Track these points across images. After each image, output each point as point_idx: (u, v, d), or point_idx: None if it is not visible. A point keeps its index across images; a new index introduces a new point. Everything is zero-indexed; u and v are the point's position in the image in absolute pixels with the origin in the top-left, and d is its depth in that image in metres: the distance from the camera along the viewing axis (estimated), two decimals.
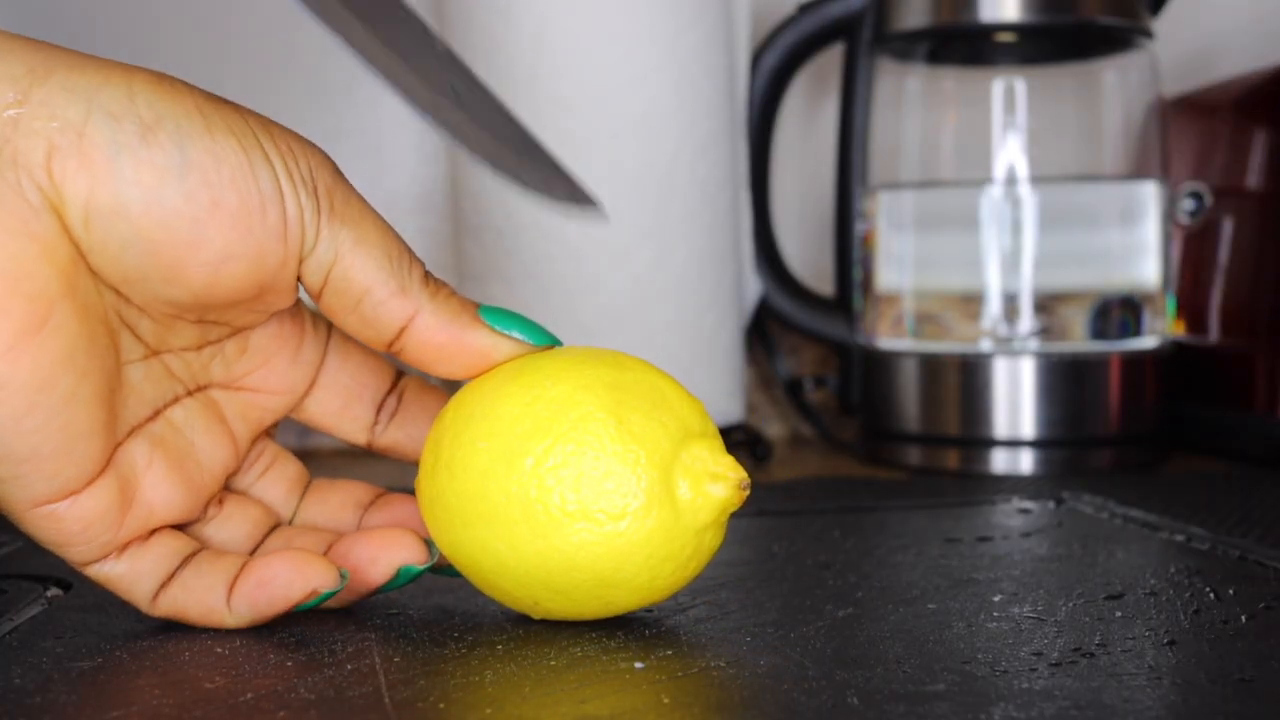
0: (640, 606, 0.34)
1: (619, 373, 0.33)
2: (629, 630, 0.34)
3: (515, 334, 0.34)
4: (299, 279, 0.33)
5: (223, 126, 0.31)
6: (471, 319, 0.34)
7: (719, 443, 0.33)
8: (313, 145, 0.33)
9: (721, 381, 0.69)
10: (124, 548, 0.34)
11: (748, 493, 0.33)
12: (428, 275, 0.34)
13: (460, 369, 0.34)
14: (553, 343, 0.35)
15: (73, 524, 0.32)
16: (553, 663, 0.31)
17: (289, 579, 0.34)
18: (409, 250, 0.34)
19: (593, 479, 0.32)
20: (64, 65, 0.30)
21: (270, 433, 0.38)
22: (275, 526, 0.37)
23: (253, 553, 0.36)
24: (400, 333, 0.33)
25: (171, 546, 0.34)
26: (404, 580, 0.35)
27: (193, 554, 0.35)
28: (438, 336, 0.33)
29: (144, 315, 0.33)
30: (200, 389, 0.35)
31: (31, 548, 0.45)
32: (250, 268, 0.32)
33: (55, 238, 0.30)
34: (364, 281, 0.33)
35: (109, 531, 0.33)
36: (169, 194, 0.30)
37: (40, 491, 0.31)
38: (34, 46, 0.31)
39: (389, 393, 0.38)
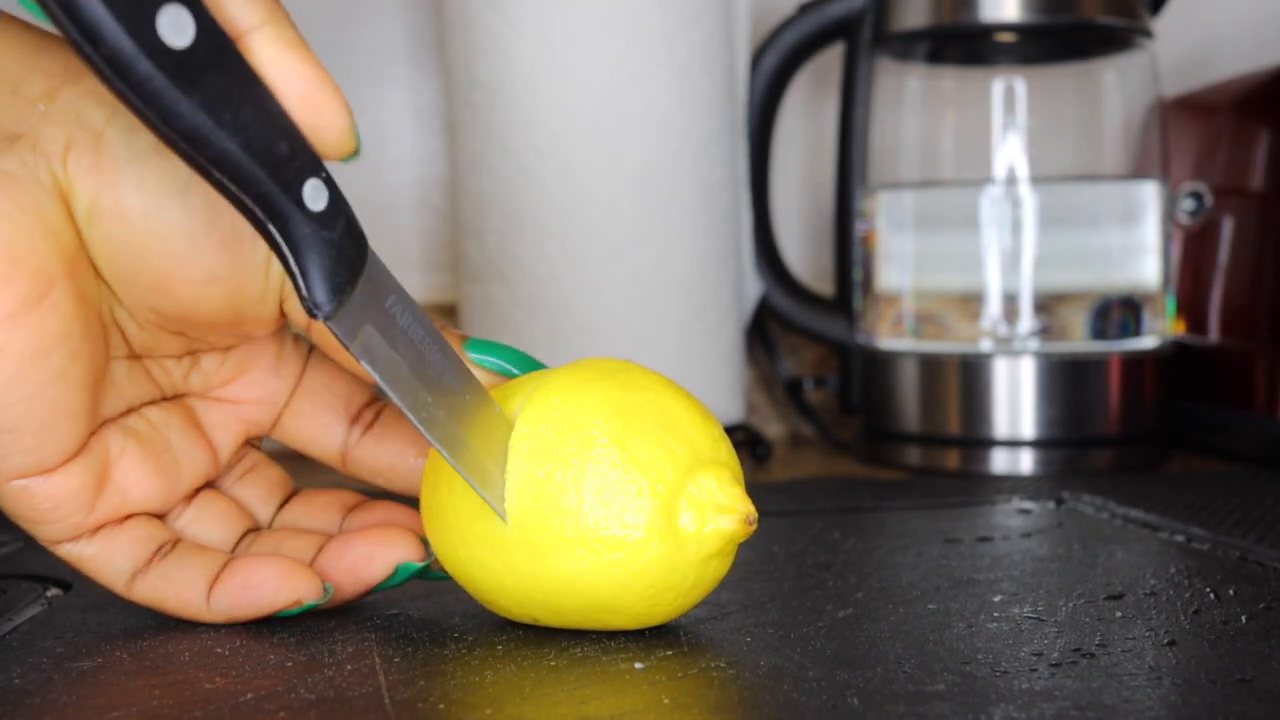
0: (641, 627, 0.34)
1: (628, 394, 0.32)
2: (629, 631, 0.34)
3: (494, 359, 0.34)
4: (284, 314, 0.34)
5: None
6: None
7: (729, 472, 0.33)
8: None
9: (721, 381, 0.69)
10: (95, 530, 0.34)
11: (754, 527, 0.32)
12: None
13: None
14: (538, 369, 0.35)
15: (44, 501, 0.33)
16: (553, 663, 0.31)
17: (275, 586, 0.34)
18: None
19: (593, 508, 0.31)
20: None
21: (254, 443, 0.38)
22: (253, 529, 0.37)
23: (232, 552, 0.36)
24: None
25: (147, 532, 0.35)
26: (402, 578, 0.35)
27: (172, 543, 0.35)
28: None
29: (131, 319, 0.33)
30: (177, 397, 0.36)
31: (32, 548, 0.45)
32: (229, 293, 0.32)
33: (62, 223, 0.31)
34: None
35: (80, 513, 0.33)
36: (170, 206, 0.31)
37: (14, 465, 0.32)
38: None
39: (366, 405, 0.38)
